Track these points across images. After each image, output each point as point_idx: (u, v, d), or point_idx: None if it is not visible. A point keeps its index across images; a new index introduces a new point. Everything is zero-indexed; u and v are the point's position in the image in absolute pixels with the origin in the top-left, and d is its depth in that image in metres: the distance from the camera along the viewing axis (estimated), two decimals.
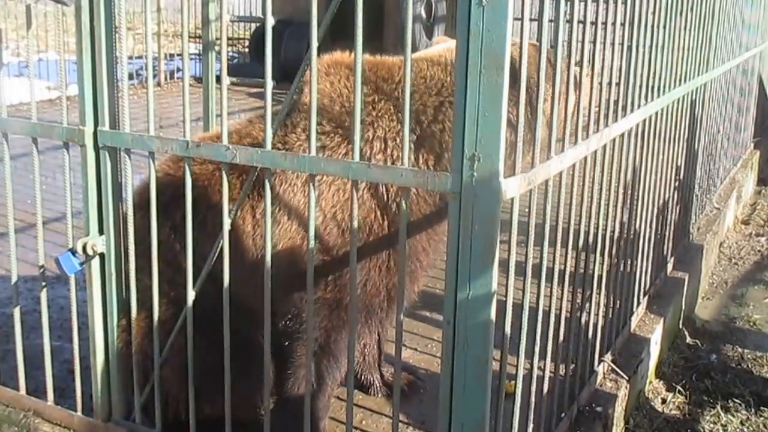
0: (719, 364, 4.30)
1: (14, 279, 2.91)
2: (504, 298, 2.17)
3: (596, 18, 2.64)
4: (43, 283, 2.87)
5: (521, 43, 2.03)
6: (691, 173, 4.91)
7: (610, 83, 2.89)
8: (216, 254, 2.50)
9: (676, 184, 4.46)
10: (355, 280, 2.27)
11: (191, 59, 11.43)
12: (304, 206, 2.51)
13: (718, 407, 3.82)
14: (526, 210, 2.24)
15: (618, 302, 3.53)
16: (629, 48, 3.11)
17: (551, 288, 2.60)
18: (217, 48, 3.12)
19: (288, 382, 2.68)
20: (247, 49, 13.41)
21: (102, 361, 2.73)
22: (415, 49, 2.41)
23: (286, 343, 2.63)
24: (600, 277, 3.17)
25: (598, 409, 3.13)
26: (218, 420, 2.58)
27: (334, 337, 2.62)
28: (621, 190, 3.27)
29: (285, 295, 2.55)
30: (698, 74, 4.52)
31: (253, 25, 13.09)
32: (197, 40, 5.06)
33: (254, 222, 2.58)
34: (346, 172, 2.18)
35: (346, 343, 2.60)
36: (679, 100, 4.08)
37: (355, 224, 2.21)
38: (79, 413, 2.85)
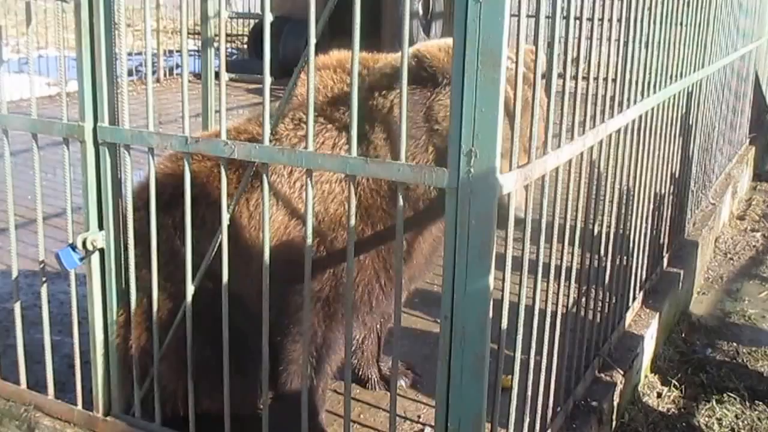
0: (714, 359, 4.32)
1: (15, 274, 2.92)
2: (501, 293, 2.19)
3: (593, 14, 2.66)
4: (44, 279, 2.88)
5: (517, 40, 2.04)
6: (687, 168, 4.92)
7: (606, 79, 2.91)
8: (214, 249, 2.51)
9: (672, 179, 4.48)
10: (351, 275, 2.29)
11: (190, 55, 11.38)
12: (295, 200, 2.53)
13: (713, 401, 3.84)
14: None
15: (614, 297, 3.55)
16: (625, 44, 3.13)
17: (547, 283, 2.62)
18: (216, 44, 3.13)
19: (281, 377, 2.69)
20: (246, 46, 13.41)
21: (102, 355, 2.74)
22: (412, 44, 2.42)
23: (277, 338, 2.63)
24: (596, 272, 3.19)
25: (594, 403, 3.15)
26: (216, 414, 2.59)
27: (319, 332, 2.62)
28: (617, 186, 3.29)
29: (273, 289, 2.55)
30: (694, 70, 4.54)
31: (252, 22, 13.10)
32: (196, 36, 5.07)
33: (248, 216, 2.59)
34: (344, 168, 2.19)
35: (333, 338, 2.62)
36: (675, 96, 4.09)
37: (353, 221, 2.22)
38: (80, 407, 2.86)
